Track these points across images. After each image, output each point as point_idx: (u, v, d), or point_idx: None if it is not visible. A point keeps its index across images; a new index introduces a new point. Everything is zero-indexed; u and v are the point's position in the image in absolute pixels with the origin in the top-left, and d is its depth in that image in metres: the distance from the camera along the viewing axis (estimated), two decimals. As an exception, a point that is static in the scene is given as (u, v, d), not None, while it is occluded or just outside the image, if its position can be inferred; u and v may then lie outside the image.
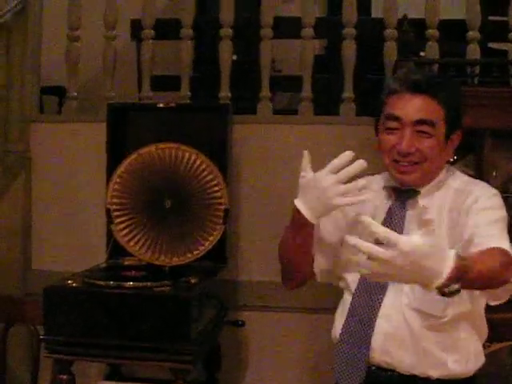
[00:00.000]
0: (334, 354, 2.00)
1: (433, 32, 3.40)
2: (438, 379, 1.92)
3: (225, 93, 3.54)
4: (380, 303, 1.93)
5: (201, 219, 2.84)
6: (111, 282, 2.67)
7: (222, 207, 2.84)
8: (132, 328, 2.59)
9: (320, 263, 2.10)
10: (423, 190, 2.00)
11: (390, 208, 2.01)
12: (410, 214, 1.98)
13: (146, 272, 2.82)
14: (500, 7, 3.70)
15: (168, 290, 2.63)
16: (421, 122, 1.92)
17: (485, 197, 1.97)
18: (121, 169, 2.86)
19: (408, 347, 1.91)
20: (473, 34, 3.40)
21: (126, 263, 2.93)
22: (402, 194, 2.02)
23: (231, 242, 3.22)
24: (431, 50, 3.40)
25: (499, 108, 2.76)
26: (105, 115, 3.28)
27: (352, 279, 2.03)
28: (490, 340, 2.00)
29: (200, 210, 2.85)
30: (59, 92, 4.36)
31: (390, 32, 3.45)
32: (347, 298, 2.05)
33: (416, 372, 1.92)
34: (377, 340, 1.93)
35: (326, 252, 2.08)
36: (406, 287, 1.91)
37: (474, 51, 3.38)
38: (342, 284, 2.12)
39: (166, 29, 3.85)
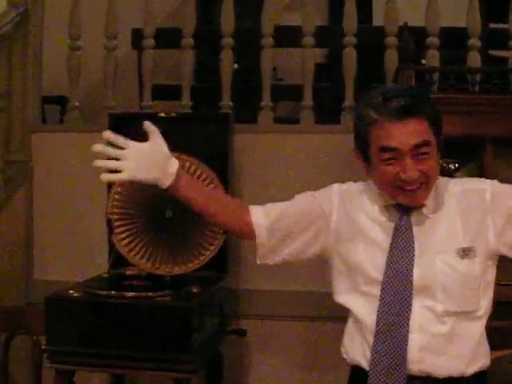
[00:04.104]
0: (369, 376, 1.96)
1: (433, 40, 3.41)
2: (472, 375, 1.92)
3: (226, 102, 3.55)
4: (408, 318, 1.90)
5: (202, 229, 2.84)
6: (113, 292, 2.67)
7: (223, 216, 2.83)
8: (134, 338, 2.60)
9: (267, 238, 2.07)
10: (427, 201, 1.95)
11: (395, 227, 1.96)
12: (415, 230, 1.96)
13: (147, 282, 2.82)
14: (500, 15, 3.71)
15: (169, 300, 2.63)
16: (419, 145, 1.87)
17: (493, 185, 1.98)
18: (122, 178, 2.86)
19: (445, 352, 1.88)
20: (473, 41, 3.41)
21: (128, 273, 2.93)
22: (407, 210, 1.96)
23: (232, 252, 3.22)
24: (432, 58, 3.40)
25: (500, 115, 2.76)
26: (106, 124, 3.28)
27: (364, 305, 1.96)
28: (491, 348, 1.98)
29: (201, 220, 2.84)
30: (61, 101, 4.37)
31: (390, 40, 3.46)
32: (364, 319, 1.96)
33: (452, 373, 1.91)
34: (411, 353, 1.89)
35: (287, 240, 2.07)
36: (439, 294, 1.88)
37: (474, 59, 3.39)
38: (346, 303, 2.07)
39: (167, 38, 3.86)
